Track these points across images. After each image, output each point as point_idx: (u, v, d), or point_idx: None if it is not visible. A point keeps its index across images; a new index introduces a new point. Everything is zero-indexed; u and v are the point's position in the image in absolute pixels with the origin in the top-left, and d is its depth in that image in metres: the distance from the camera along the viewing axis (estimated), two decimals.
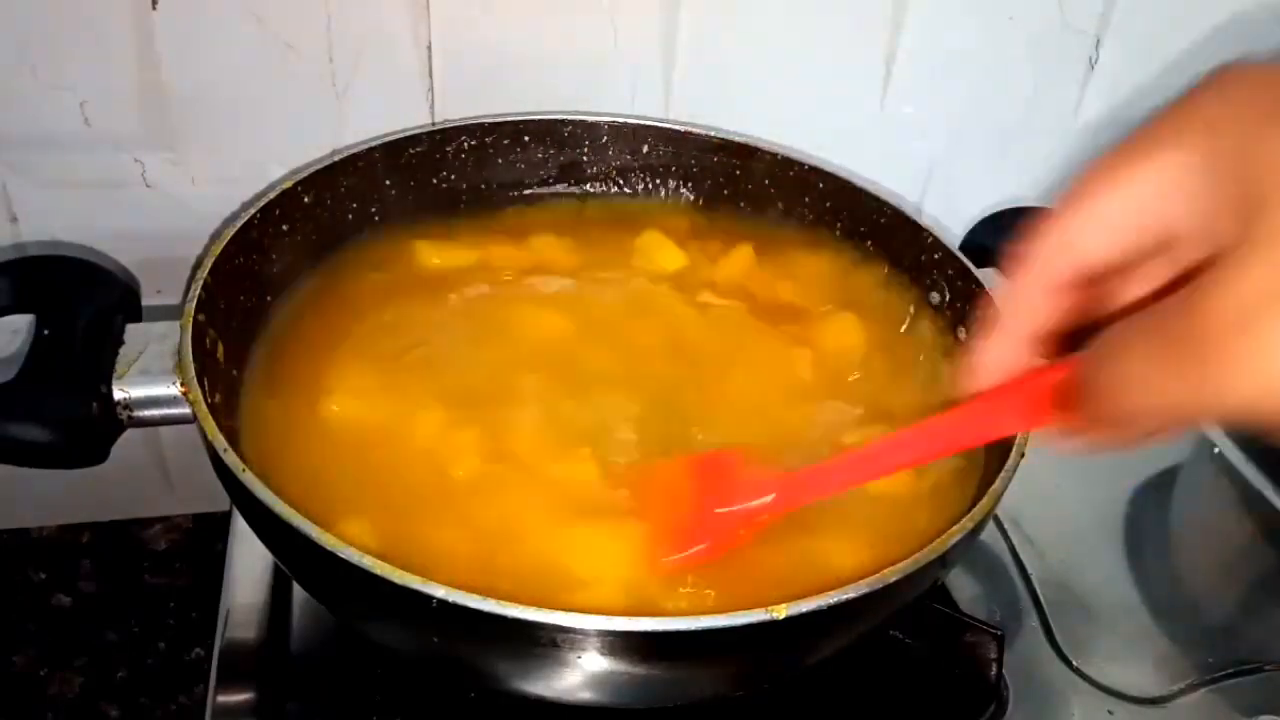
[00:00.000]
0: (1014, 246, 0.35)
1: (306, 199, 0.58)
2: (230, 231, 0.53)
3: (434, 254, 0.61)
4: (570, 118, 0.65)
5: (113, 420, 0.48)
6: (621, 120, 0.66)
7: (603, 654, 0.39)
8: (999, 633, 0.55)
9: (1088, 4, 0.70)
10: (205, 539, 0.74)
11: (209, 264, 0.51)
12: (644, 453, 0.51)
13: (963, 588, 0.61)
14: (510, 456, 0.50)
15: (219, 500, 0.49)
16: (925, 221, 0.60)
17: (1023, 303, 0.36)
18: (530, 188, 0.67)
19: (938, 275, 0.60)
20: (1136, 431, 0.32)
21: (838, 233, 0.65)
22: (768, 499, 0.46)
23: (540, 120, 0.65)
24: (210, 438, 0.44)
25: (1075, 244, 0.33)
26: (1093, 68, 0.72)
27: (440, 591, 0.38)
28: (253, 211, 0.55)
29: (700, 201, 0.68)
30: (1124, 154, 0.31)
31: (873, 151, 0.71)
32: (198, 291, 0.49)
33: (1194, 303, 0.27)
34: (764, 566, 0.46)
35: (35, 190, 0.62)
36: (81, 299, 0.51)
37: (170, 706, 0.65)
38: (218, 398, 0.49)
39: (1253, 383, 0.26)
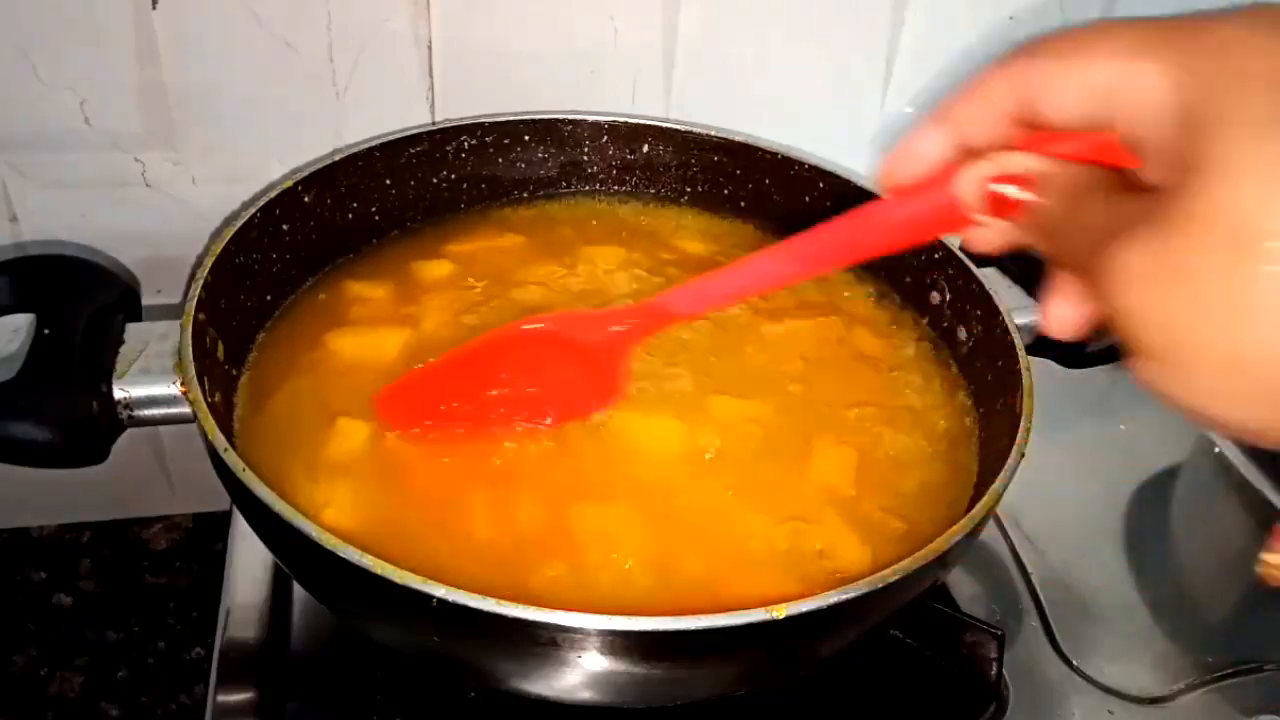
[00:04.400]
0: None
1: (307, 198, 0.58)
2: (230, 231, 0.53)
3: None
4: (570, 118, 0.65)
5: (113, 420, 0.48)
6: (621, 120, 0.66)
7: (603, 654, 0.39)
8: (999, 633, 0.55)
9: (1088, 4, 0.70)
10: (205, 539, 0.74)
11: (209, 263, 0.51)
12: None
13: (963, 588, 0.61)
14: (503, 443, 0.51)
15: (219, 500, 0.49)
16: None
17: (965, 110, 0.36)
18: (530, 187, 0.67)
19: (938, 275, 0.60)
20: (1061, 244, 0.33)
21: None
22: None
23: (540, 120, 0.65)
24: (210, 437, 0.44)
25: (1033, 92, 0.33)
26: None
27: (440, 591, 0.38)
28: (253, 211, 0.55)
29: (700, 201, 0.68)
30: (1114, 38, 0.31)
31: (873, 151, 0.71)
32: (198, 291, 0.49)
33: (1115, 230, 0.29)
34: None
35: (35, 190, 0.62)
36: (82, 298, 0.51)
37: (170, 706, 0.65)
38: (218, 397, 0.49)
39: (1126, 319, 0.29)
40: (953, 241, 0.59)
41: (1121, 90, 0.31)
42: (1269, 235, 0.26)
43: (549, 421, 0.51)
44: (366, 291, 0.59)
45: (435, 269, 0.61)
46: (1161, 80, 0.29)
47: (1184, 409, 0.29)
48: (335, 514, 0.47)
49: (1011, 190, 0.34)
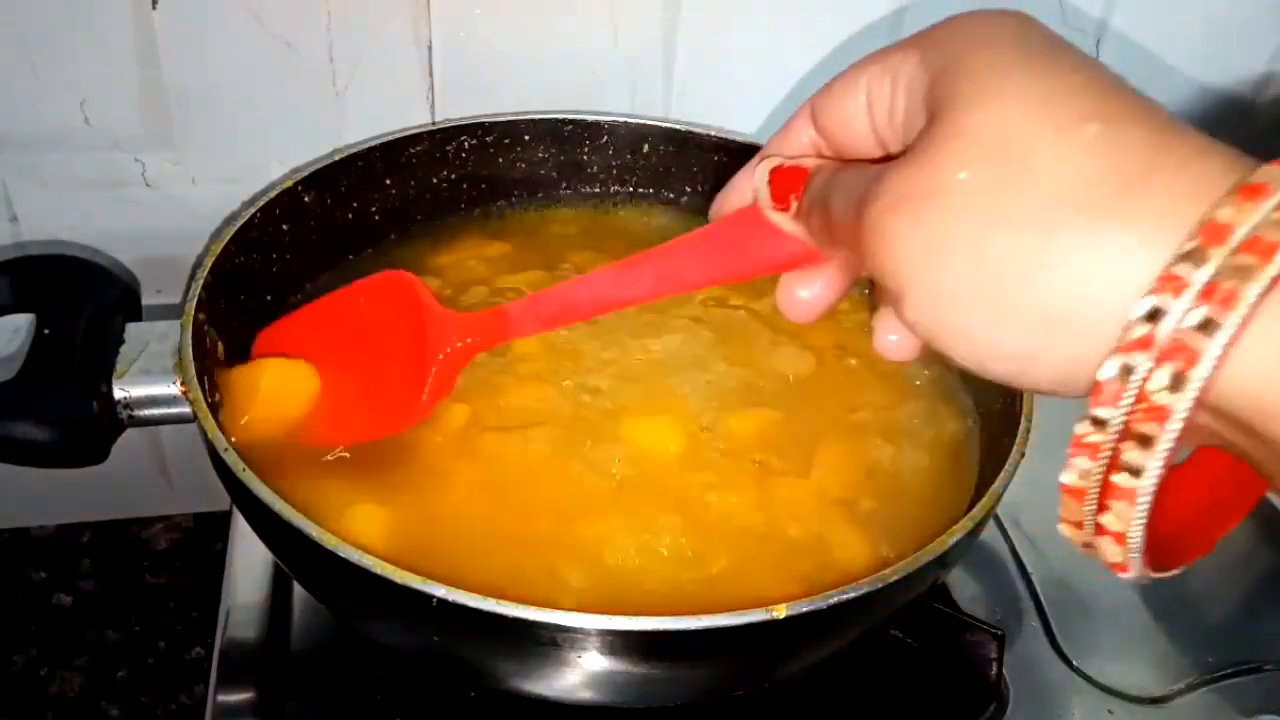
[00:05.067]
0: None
1: (307, 198, 0.58)
2: (230, 231, 0.53)
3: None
4: (570, 118, 0.65)
5: (113, 419, 0.48)
6: (621, 120, 0.66)
7: (603, 654, 0.39)
8: (999, 633, 0.55)
9: (1088, 4, 0.70)
10: (205, 539, 0.74)
11: (209, 263, 0.51)
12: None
13: (963, 588, 0.61)
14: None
15: (219, 500, 0.49)
16: None
17: (778, 148, 0.39)
18: (530, 187, 0.67)
19: None
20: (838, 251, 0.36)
21: None
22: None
23: (540, 120, 0.65)
24: (210, 437, 0.44)
25: (824, 119, 0.37)
26: None
27: (440, 591, 0.38)
28: (253, 211, 0.55)
29: (700, 201, 0.68)
30: (881, 53, 0.34)
31: None
32: (198, 291, 0.49)
33: (871, 177, 0.31)
34: None
35: (35, 190, 0.62)
36: (82, 298, 0.51)
37: (170, 706, 0.65)
38: (218, 397, 0.49)
39: (880, 261, 0.30)
40: None
41: (886, 87, 0.33)
42: (1018, 143, 0.27)
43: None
44: None
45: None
46: (917, 66, 0.32)
47: (946, 345, 0.29)
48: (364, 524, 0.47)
49: (788, 181, 0.37)
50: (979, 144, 0.28)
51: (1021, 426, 0.48)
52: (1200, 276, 0.24)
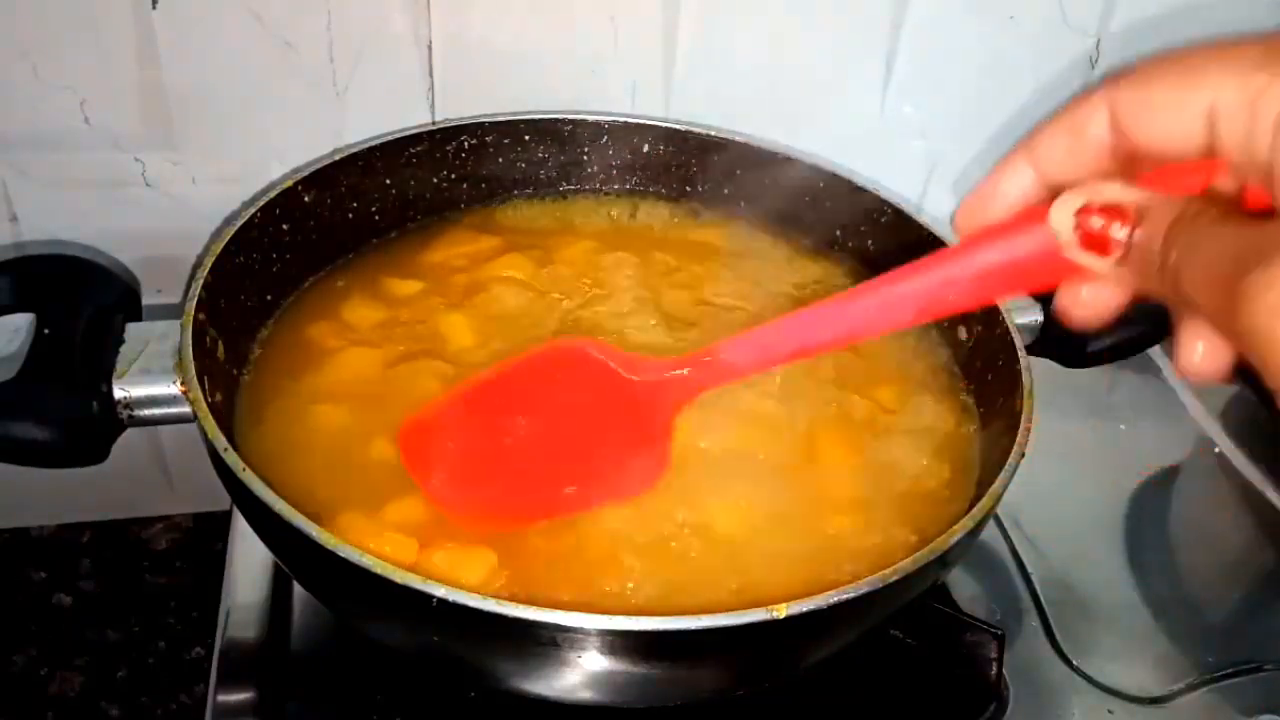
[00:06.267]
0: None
1: (307, 198, 0.58)
2: (230, 231, 0.53)
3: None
4: (570, 117, 0.65)
5: (113, 419, 0.48)
6: (621, 120, 0.66)
7: (603, 653, 0.39)
8: (999, 633, 0.55)
9: (1088, 4, 0.70)
10: (205, 539, 0.74)
11: (209, 263, 0.51)
12: None
13: (963, 588, 0.61)
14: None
15: (219, 500, 0.49)
16: (925, 221, 0.60)
17: (1055, 143, 0.33)
18: (530, 187, 0.67)
19: None
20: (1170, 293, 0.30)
21: (838, 233, 0.65)
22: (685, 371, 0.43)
23: (540, 120, 0.65)
24: (210, 437, 0.44)
25: (1133, 120, 0.31)
26: (1093, 67, 0.72)
27: (440, 591, 0.38)
28: (253, 211, 0.55)
29: (700, 201, 0.68)
30: (1231, 56, 0.29)
31: (873, 151, 0.71)
32: (198, 291, 0.49)
33: (1245, 248, 0.26)
34: None
35: (35, 190, 0.61)
36: (82, 298, 0.51)
37: (170, 706, 0.65)
38: (218, 397, 0.49)
39: (1264, 355, 0.26)
40: (953, 241, 0.59)
41: (1241, 109, 0.28)
42: None
43: (576, 492, 0.45)
44: (359, 302, 0.59)
45: (407, 287, 0.60)
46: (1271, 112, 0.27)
47: None
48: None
49: (1107, 224, 0.31)
50: None
51: (1021, 427, 0.48)
52: None
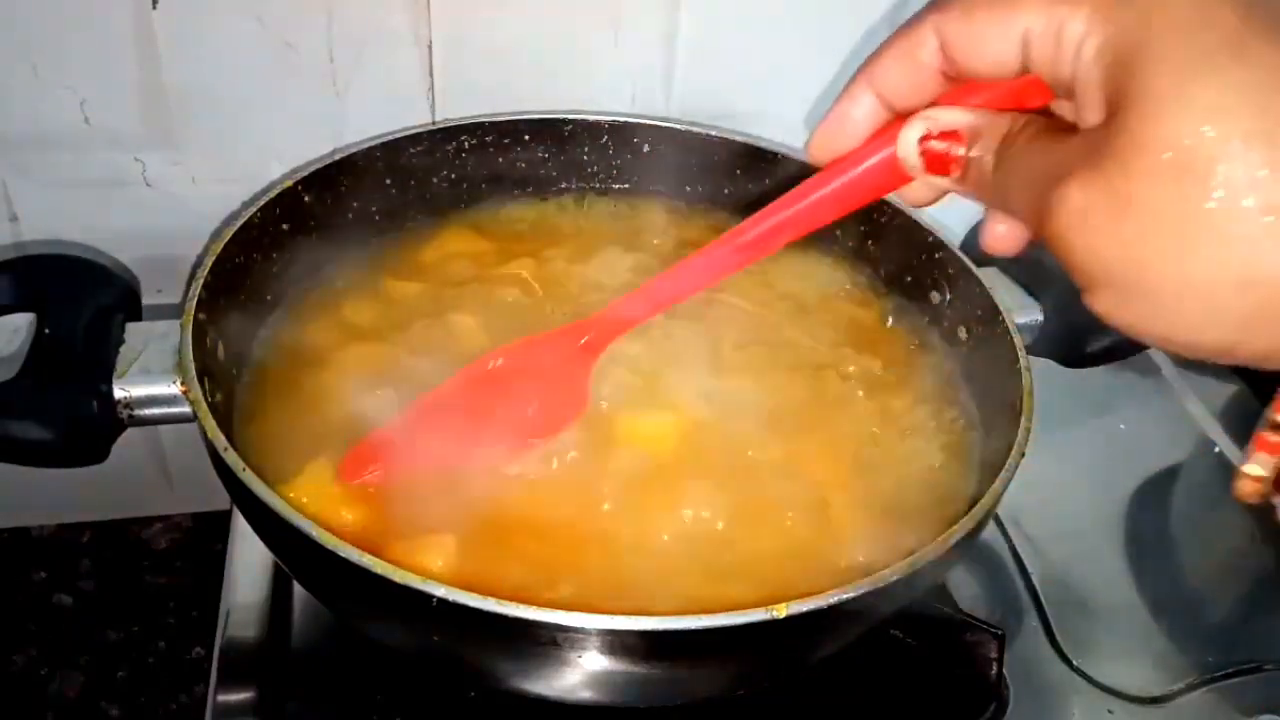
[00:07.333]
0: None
1: (307, 198, 0.58)
2: (230, 231, 0.53)
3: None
4: (570, 117, 0.65)
5: (113, 419, 0.48)
6: (621, 120, 0.66)
7: (603, 653, 0.39)
8: (999, 633, 0.55)
9: None
10: (205, 539, 0.74)
11: (209, 263, 0.51)
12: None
13: (963, 588, 0.61)
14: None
15: (219, 500, 0.49)
16: (926, 221, 0.60)
17: (892, 70, 0.37)
18: (530, 187, 0.67)
19: (939, 275, 0.60)
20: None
21: (838, 233, 0.65)
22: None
23: (540, 120, 0.65)
24: (210, 437, 0.44)
25: (960, 45, 0.34)
26: None
27: (440, 591, 0.38)
28: (253, 211, 0.55)
29: (701, 201, 0.68)
30: (1019, 3, 0.32)
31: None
32: (198, 291, 0.49)
33: (1055, 163, 0.30)
34: None
35: (35, 190, 0.62)
36: (82, 298, 0.51)
37: (170, 706, 0.65)
38: (218, 397, 0.49)
39: (1069, 256, 0.30)
40: (953, 241, 0.59)
41: (1049, 35, 0.31)
42: (1213, 161, 0.27)
43: (533, 441, 0.50)
44: (359, 302, 0.59)
45: (408, 287, 0.60)
46: (1090, 22, 0.30)
47: (1144, 335, 0.30)
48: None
49: (947, 146, 0.35)
50: (1170, 159, 0.28)
51: (1021, 426, 0.48)
52: None
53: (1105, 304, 0.30)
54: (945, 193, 0.38)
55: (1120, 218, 0.29)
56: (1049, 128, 0.33)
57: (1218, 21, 0.28)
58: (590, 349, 0.51)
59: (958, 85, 0.36)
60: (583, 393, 0.51)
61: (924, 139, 0.35)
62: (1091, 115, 0.31)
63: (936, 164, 0.35)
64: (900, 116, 0.37)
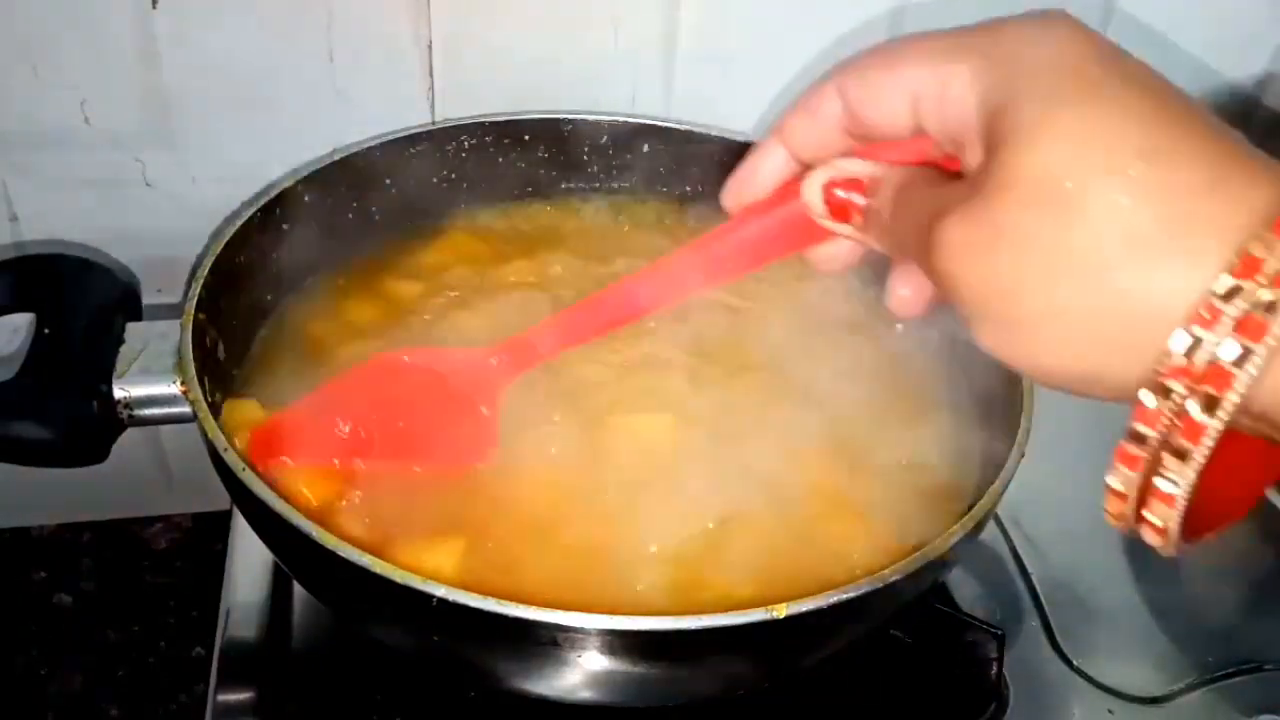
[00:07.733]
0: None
1: (307, 198, 0.58)
2: (230, 230, 0.53)
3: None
4: (570, 118, 0.65)
5: (113, 419, 0.48)
6: (621, 120, 0.66)
7: (603, 653, 0.39)
8: (999, 633, 0.55)
9: (1088, 4, 0.70)
10: (205, 538, 0.74)
11: (209, 263, 0.51)
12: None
13: (963, 588, 0.61)
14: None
15: (219, 500, 0.49)
16: None
17: (799, 126, 0.39)
18: (530, 187, 0.67)
19: None
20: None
21: None
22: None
23: (540, 120, 0.65)
24: (210, 437, 0.44)
25: (857, 103, 0.36)
26: None
27: (440, 591, 0.38)
28: (253, 210, 0.55)
29: (700, 201, 0.68)
30: (924, 47, 0.34)
31: None
32: (198, 290, 0.49)
33: (938, 202, 0.32)
34: None
35: (35, 190, 0.62)
36: (82, 298, 0.51)
37: (170, 706, 0.65)
38: (218, 397, 0.49)
39: (951, 290, 0.31)
40: None
41: (935, 94, 0.33)
42: (1076, 191, 0.28)
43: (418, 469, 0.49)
44: (359, 302, 0.59)
45: (408, 287, 0.60)
46: (969, 79, 0.32)
47: (1024, 368, 0.31)
48: None
49: (849, 195, 0.37)
50: (1036, 189, 0.29)
51: (1021, 427, 0.48)
52: (1232, 310, 0.26)
53: (987, 337, 0.31)
54: (849, 261, 0.40)
55: (993, 249, 0.30)
56: (941, 175, 0.34)
57: (1080, 69, 0.30)
58: (500, 374, 0.49)
59: (868, 144, 0.37)
60: (489, 426, 0.49)
61: (828, 186, 0.37)
62: (974, 161, 0.32)
63: (839, 211, 0.37)
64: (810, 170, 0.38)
